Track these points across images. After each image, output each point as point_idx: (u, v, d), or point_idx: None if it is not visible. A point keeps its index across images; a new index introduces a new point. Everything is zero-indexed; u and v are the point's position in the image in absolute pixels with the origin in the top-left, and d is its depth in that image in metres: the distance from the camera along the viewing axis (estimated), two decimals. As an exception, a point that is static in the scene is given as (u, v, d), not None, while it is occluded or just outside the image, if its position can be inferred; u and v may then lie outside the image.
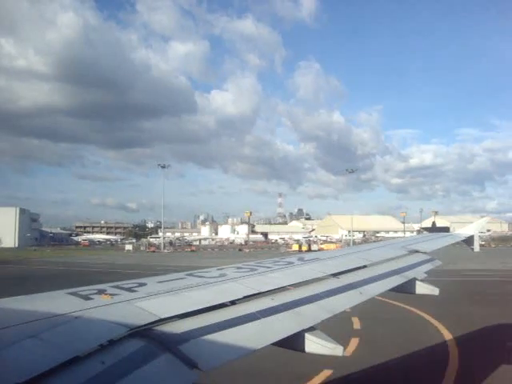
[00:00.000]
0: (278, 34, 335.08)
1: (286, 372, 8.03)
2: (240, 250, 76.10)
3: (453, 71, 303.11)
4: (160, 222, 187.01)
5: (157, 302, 2.22)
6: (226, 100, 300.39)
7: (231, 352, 2.02)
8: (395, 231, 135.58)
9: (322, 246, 70.42)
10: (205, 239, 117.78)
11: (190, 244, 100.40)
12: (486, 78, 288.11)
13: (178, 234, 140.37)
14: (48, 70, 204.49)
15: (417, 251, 4.96)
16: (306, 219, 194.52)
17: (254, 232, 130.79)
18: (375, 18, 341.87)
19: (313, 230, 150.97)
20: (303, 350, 2.45)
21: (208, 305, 2.32)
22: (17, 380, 1.39)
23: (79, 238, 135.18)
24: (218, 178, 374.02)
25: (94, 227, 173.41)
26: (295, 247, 67.79)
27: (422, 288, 3.98)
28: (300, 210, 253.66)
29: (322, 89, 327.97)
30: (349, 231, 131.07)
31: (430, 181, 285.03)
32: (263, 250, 71.47)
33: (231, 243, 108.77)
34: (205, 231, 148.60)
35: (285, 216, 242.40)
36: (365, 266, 3.91)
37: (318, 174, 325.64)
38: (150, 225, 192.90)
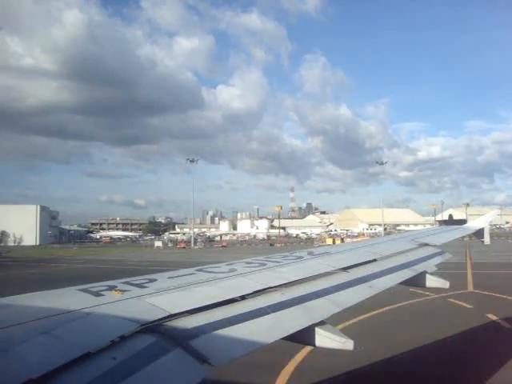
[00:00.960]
0: (283, 28, 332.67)
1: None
2: (271, 244, 74.73)
3: (460, 63, 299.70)
4: (170, 218, 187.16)
5: (167, 298, 2.24)
6: (233, 95, 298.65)
7: (242, 347, 2.03)
8: (415, 224, 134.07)
9: (357, 240, 69.04)
10: (226, 234, 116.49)
11: (211, 239, 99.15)
12: (493, 69, 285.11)
13: (196, 230, 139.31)
14: (55, 67, 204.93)
15: (426, 244, 4.92)
16: (322, 213, 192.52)
17: (273, 227, 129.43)
18: (382, 11, 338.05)
19: (330, 223, 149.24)
20: (314, 345, 2.45)
21: (218, 300, 2.33)
22: (30, 376, 1.42)
23: (97, 235, 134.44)
24: (226, 173, 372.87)
25: (109, 224, 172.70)
26: (329, 241, 66.55)
27: (432, 281, 3.95)
28: (309, 205, 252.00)
29: (328, 82, 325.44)
30: (369, 225, 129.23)
31: (438, 173, 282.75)
32: (293, 245, 70.02)
33: (252, 238, 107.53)
34: (224, 226, 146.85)
35: (294, 210, 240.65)
36: (374, 260, 3.90)
37: (325, 168, 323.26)
38: (161, 220, 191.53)
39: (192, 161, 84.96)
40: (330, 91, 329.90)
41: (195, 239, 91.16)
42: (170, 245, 79.60)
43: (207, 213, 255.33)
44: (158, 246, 74.19)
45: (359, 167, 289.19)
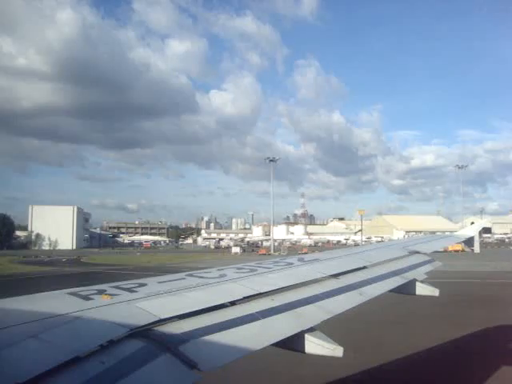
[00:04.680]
0: (278, 33, 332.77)
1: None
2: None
3: (453, 73, 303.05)
4: (163, 223, 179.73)
5: (157, 303, 2.23)
6: (226, 100, 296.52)
7: (231, 353, 2.04)
8: (451, 231, 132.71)
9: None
10: (266, 240, 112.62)
11: (257, 245, 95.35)
12: (486, 79, 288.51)
13: (223, 235, 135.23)
14: (48, 69, 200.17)
15: (417, 252, 4.95)
16: (340, 219, 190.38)
17: (307, 233, 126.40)
18: (376, 19, 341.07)
19: (359, 230, 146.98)
20: (303, 351, 2.45)
21: (208, 305, 2.33)
22: (17, 380, 1.40)
23: (125, 240, 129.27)
24: (219, 179, 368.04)
25: (127, 228, 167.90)
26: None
27: (422, 289, 3.95)
28: (305, 211, 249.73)
29: (322, 88, 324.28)
30: (406, 232, 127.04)
31: (431, 182, 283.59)
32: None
33: (293, 244, 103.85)
34: (257, 232, 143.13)
35: (304, 216, 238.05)
36: (365, 267, 3.89)
37: (318, 175, 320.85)
38: (161, 224, 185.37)
39: (272, 160, 78.08)
40: (323, 97, 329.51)
41: (255, 244, 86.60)
42: (237, 251, 75.07)
43: (202, 218, 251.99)
44: (235, 252, 70.03)
45: (352, 174, 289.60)
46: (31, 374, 1.44)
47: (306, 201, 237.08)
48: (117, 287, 2.45)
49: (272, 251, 71.33)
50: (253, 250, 79.43)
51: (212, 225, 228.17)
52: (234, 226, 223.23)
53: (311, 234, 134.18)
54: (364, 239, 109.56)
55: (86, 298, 2.19)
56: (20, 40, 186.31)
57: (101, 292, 2.30)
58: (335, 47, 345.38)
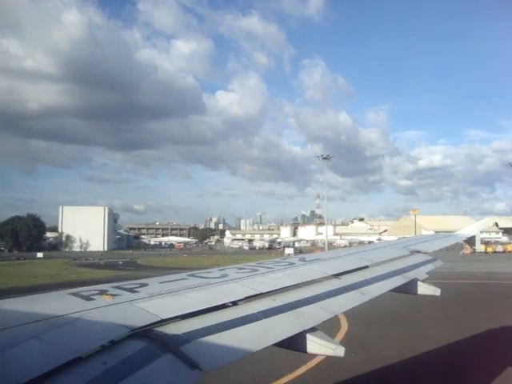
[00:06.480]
0: (284, 33, 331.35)
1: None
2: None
3: (460, 73, 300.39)
4: (169, 223, 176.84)
5: (158, 303, 2.24)
6: (233, 100, 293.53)
7: (233, 353, 2.04)
8: (480, 231, 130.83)
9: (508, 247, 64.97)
10: (299, 241, 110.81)
11: (289, 246, 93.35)
12: (493, 79, 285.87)
13: (248, 236, 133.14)
14: (54, 70, 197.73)
15: (418, 252, 4.94)
16: (360, 220, 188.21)
17: (337, 234, 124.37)
18: (383, 18, 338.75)
19: (385, 230, 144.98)
20: (305, 351, 2.44)
21: (209, 305, 2.33)
22: (19, 381, 1.40)
23: (150, 241, 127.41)
24: (225, 179, 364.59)
25: (148, 229, 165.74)
26: (481, 248, 61.58)
27: (423, 288, 3.93)
28: (312, 212, 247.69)
29: (328, 88, 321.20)
30: (435, 232, 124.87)
31: (438, 182, 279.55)
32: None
33: (330, 244, 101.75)
34: (285, 232, 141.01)
35: (320, 217, 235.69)
36: (366, 267, 3.88)
37: (325, 175, 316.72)
38: (172, 225, 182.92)
39: (325, 158, 72.20)
40: (330, 97, 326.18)
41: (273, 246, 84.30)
42: (291, 252, 72.90)
43: (210, 219, 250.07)
44: (288, 253, 68.06)
45: (359, 175, 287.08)
46: (33, 375, 1.43)
47: (320, 201, 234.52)
48: (118, 287, 2.45)
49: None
50: (301, 251, 77.53)
51: (221, 225, 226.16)
52: (242, 227, 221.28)
53: (342, 234, 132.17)
54: (385, 239, 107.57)
55: (88, 298, 2.18)
56: (26, 42, 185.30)
57: (102, 292, 2.29)
58: (341, 47, 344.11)
